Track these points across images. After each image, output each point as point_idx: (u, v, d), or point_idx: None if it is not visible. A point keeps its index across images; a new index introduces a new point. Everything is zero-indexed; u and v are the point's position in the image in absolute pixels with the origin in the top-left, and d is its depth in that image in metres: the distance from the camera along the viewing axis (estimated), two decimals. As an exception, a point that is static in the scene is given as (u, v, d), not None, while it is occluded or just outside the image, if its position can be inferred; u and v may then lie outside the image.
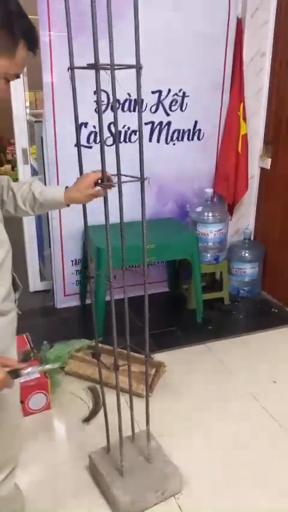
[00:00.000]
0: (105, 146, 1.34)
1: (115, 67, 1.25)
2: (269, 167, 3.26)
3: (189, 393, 2.41)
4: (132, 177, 1.41)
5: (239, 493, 1.83)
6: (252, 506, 1.78)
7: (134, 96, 2.81)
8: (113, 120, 1.35)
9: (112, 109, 1.44)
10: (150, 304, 1.67)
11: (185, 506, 1.78)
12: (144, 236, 1.50)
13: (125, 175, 1.41)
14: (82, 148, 1.55)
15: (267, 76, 3.17)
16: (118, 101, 2.81)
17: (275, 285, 3.39)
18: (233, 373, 2.57)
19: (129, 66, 1.28)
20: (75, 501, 1.79)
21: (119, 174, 1.41)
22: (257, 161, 3.35)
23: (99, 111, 1.29)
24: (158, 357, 2.59)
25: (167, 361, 2.56)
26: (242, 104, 3.09)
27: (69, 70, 1.34)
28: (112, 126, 2.78)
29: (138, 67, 1.26)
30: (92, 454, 1.90)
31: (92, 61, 1.24)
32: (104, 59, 1.24)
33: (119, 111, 2.83)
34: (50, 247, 3.20)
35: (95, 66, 1.25)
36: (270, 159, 3.25)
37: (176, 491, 1.82)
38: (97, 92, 1.29)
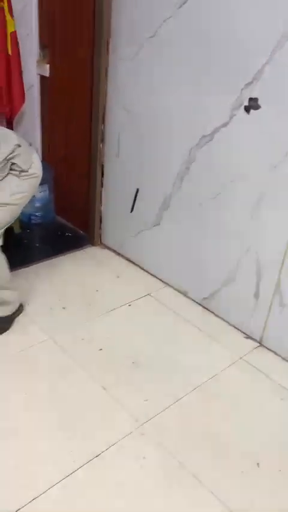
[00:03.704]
0: None
1: None
2: (48, 74, 2.89)
3: None
4: None
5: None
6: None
7: None
8: None
9: None
10: None
11: None
12: None
13: None
14: None
15: None
16: None
17: (67, 208, 3.19)
18: (26, 303, 2.35)
19: None
20: None
21: None
22: (34, 68, 2.94)
23: None
24: None
25: None
26: (5, -6, 2.58)
27: None
28: None
29: None
30: None
31: None
32: None
33: None
34: None
35: None
36: (48, 65, 2.87)
37: None
38: None
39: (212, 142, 2.14)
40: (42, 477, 1.54)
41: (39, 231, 3.12)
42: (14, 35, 2.68)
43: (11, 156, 1.92)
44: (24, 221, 3.11)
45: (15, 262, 2.68)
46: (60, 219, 3.26)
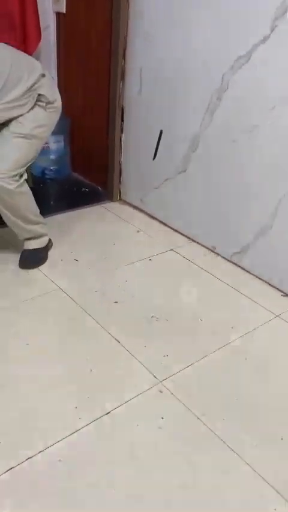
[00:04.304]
0: None
1: None
2: (64, 11, 2.63)
3: None
4: None
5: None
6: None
7: None
8: None
9: None
10: None
11: None
12: None
13: None
14: None
15: None
16: None
17: (84, 163, 2.93)
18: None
19: None
20: None
21: None
22: (50, 5, 2.68)
23: None
24: None
25: None
26: None
27: None
28: None
29: None
30: None
31: None
32: None
33: None
34: None
35: None
36: (65, 0, 2.61)
37: None
38: None
39: (248, 64, 1.83)
40: (40, 434, 1.29)
41: (53, 186, 2.88)
42: None
43: (36, 86, 1.79)
44: (37, 176, 2.87)
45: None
46: (77, 176, 3.01)
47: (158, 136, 2.33)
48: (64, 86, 2.86)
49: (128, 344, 1.64)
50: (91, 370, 1.52)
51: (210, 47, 1.95)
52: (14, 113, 1.77)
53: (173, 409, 1.40)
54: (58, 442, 1.27)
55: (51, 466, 1.21)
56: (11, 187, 1.78)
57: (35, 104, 1.82)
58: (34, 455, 1.23)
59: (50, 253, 2.14)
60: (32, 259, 2.03)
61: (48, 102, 1.84)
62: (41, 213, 2.43)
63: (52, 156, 2.86)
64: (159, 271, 2.11)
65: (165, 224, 2.48)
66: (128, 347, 1.62)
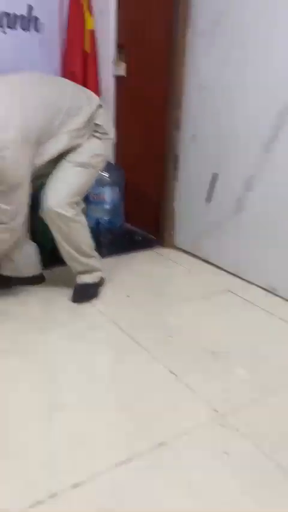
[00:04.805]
0: None
1: None
2: (124, 73, 2.83)
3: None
4: None
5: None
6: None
7: None
8: None
9: None
10: None
11: None
12: None
13: None
14: None
15: None
16: None
17: (137, 213, 2.96)
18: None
19: None
20: None
21: None
22: (110, 70, 2.91)
23: None
24: None
25: None
26: (85, -9, 2.62)
27: None
28: None
29: None
30: None
31: None
32: None
33: None
34: None
35: None
36: (125, 64, 2.82)
37: None
38: None
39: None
40: (88, 462, 1.15)
41: (106, 236, 2.89)
42: (92, 33, 2.67)
43: (95, 115, 1.88)
44: (91, 227, 2.90)
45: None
46: (130, 226, 3.03)
47: (211, 179, 2.33)
48: (122, 142, 3.00)
49: (184, 377, 1.49)
50: (144, 399, 1.38)
51: (267, 85, 1.99)
52: (76, 142, 1.83)
53: (239, 445, 1.22)
54: (106, 472, 1.12)
55: (99, 497, 1.05)
56: (68, 214, 1.80)
57: (92, 134, 1.88)
58: (80, 484, 1.08)
59: (102, 289, 2.08)
60: (84, 293, 1.99)
61: (104, 133, 1.91)
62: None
63: (107, 207, 2.92)
64: (216, 310, 1.99)
65: (219, 267, 2.38)
66: (185, 380, 1.48)
